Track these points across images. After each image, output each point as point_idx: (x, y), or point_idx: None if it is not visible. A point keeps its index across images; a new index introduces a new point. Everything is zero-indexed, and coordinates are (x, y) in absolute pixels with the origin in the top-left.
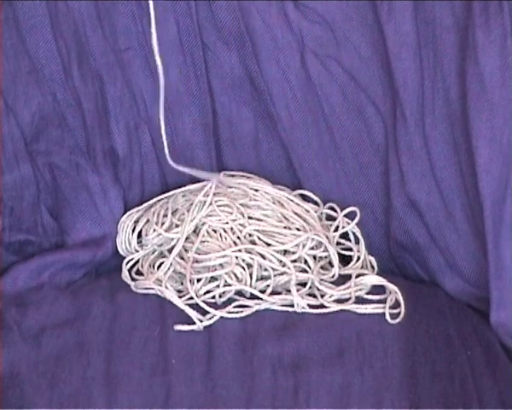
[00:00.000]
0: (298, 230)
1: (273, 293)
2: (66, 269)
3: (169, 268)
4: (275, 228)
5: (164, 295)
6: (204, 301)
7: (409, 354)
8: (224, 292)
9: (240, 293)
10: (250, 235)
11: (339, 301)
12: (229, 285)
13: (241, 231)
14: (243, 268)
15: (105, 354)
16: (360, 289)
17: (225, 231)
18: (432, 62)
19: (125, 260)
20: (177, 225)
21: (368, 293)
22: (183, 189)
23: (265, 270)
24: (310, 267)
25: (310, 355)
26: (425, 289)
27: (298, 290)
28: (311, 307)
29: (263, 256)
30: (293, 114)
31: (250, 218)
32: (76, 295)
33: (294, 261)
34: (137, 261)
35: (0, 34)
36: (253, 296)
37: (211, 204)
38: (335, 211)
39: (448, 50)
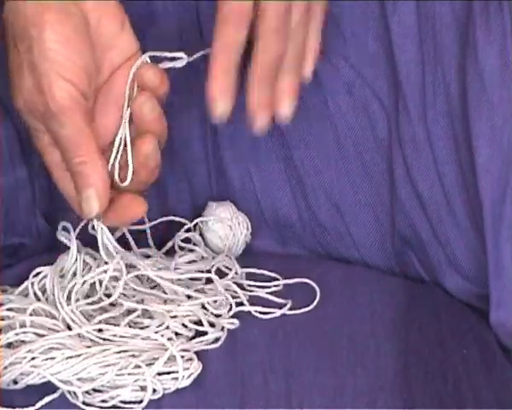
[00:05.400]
0: None
1: None
2: None
3: None
4: None
5: None
6: None
7: (401, 354)
8: None
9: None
10: None
11: None
12: None
13: None
14: None
15: None
16: None
17: None
18: (432, 57)
19: None
20: None
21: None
22: None
23: None
24: None
25: (301, 359)
26: (423, 289)
27: None
28: None
29: None
30: (296, 111)
31: None
32: None
33: None
34: None
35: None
36: None
37: None
38: None
39: (447, 47)
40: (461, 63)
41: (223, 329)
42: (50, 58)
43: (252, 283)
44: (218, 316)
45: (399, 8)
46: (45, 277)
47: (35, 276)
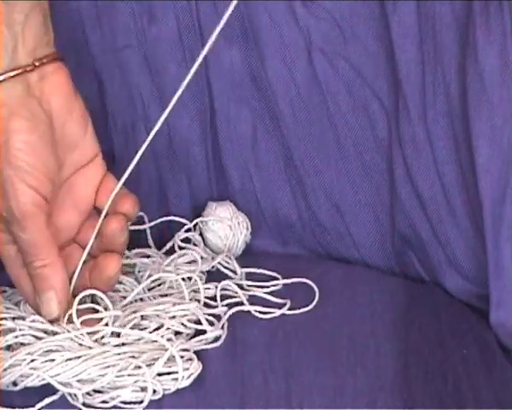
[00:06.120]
0: None
1: None
2: None
3: None
4: None
5: None
6: None
7: (401, 354)
8: None
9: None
10: None
11: None
12: None
13: None
14: None
15: None
16: None
17: None
18: (432, 57)
19: None
20: None
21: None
22: None
23: None
24: None
25: (301, 359)
26: (423, 289)
27: None
28: None
29: None
30: (296, 111)
31: None
32: None
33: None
34: None
35: None
36: None
37: None
38: None
39: (447, 47)
40: (461, 63)
41: (222, 327)
42: (15, 165)
43: (251, 283)
44: (210, 307)
45: (399, 8)
46: None
47: None
